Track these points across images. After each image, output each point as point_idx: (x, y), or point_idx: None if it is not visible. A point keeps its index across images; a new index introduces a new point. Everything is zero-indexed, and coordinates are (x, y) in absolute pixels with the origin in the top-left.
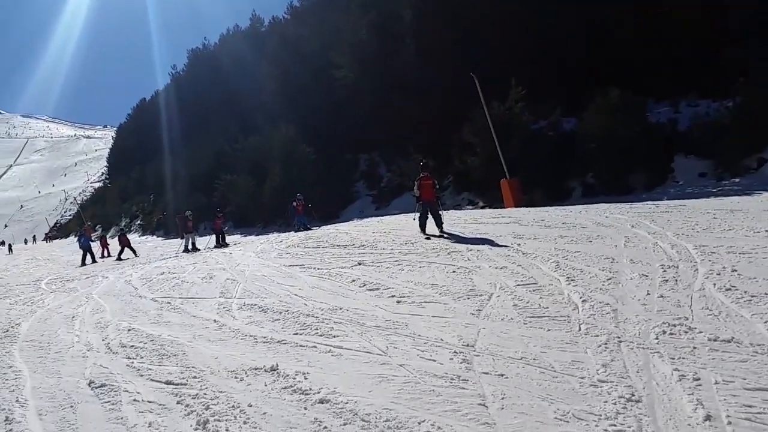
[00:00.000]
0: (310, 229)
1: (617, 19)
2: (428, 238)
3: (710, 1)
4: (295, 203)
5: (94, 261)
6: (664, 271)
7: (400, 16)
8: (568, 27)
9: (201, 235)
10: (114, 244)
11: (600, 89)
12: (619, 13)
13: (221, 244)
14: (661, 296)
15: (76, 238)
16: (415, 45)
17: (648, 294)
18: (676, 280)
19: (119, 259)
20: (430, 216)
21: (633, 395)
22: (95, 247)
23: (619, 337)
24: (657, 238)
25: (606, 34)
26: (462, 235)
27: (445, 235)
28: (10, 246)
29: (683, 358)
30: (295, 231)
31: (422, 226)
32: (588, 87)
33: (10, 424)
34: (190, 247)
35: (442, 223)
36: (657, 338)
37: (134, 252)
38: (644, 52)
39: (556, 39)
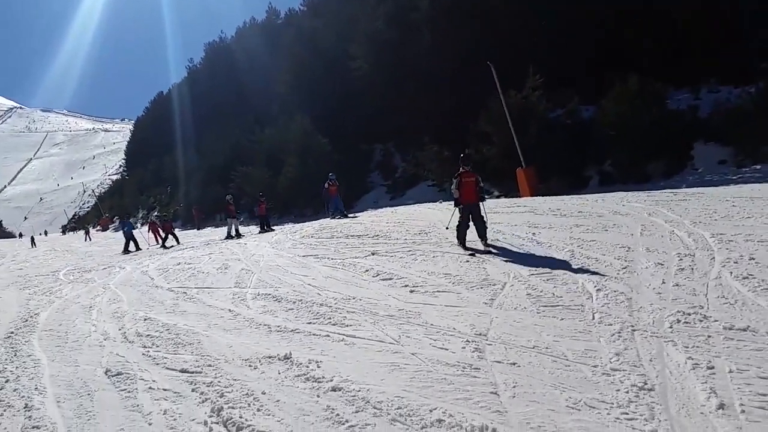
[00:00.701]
0: (347, 215)
1: (635, 4)
2: (472, 255)
3: None
4: (327, 184)
5: (138, 249)
6: (680, 259)
7: (416, 6)
8: (585, 13)
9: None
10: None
11: (619, 76)
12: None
13: (266, 229)
14: (677, 285)
15: (120, 226)
16: (431, 34)
17: (663, 283)
18: (692, 269)
19: (164, 246)
20: (471, 224)
21: (646, 384)
22: (138, 235)
23: (632, 326)
24: (674, 227)
25: (624, 20)
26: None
27: (493, 250)
28: (32, 238)
29: (697, 347)
30: (331, 217)
31: (461, 238)
32: (606, 74)
33: (29, 411)
34: (233, 233)
35: (486, 230)
36: (671, 327)
37: (176, 239)
38: (664, 37)
39: (574, 26)
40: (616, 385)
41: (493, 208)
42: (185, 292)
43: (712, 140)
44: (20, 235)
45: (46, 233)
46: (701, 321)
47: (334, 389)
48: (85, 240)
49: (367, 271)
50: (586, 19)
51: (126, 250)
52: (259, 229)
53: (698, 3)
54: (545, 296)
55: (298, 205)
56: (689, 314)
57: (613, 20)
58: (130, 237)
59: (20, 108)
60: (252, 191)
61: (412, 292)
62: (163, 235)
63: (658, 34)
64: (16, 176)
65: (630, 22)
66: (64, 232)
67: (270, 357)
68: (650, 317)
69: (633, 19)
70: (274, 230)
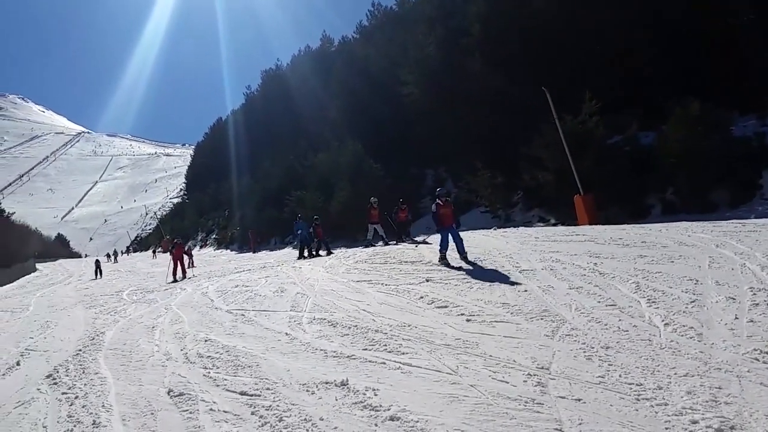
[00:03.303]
0: (387, 242)
1: (697, 27)
2: (450, 267)
3: None
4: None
5: (311, 255)
6: (754, 294)
7: (467, 31)
8: (644, 37)
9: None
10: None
11: (680, 101)
12: (699, 21)
13: (318, 254)
14: (751, 321)
15: (294, 230)
16: (482, 59)
17: (736, 318)
18: None
19: (174, 279)
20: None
21: (723, 426)
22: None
23: (706, 363)
24: (744, 259)
25: (686, 43)
26: (534, 254)
27: (466, 265)
28: (97, 264)
29: None
30: (372, 244)
31: (443, 255)
32: (667, 99)
33: (97, 428)
34: (374, 240)
35: (464, 247)
36: (747, 365)
37: (191, 264)
38: (727, 62)
39: (632, 49)
40: (689, 426)
41: (550, 236)
42: (243, 315)
43: None
44: (86, 256)
45: (114, 257)
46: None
47: (392, 418)
48: (153, 257)
49: (421, 298)
50: (645, 42)
51: (301, 255)
52: (307, 253)
53: (762, 26)
54: (610, 330)
55: (350, 229)
56: (767, 353)
57: (673, 43)
58: (304, 241)
59: (87, 132)
60: (306, 215)
61: (468, 321)
62: (182, 263)
63: (721, 58)
64: (82, 198)
65: (691, 47)
66: (127, 253)
67: (327, 383)
68: (724, 354)
69: (694, 43)
70: (333, 253)
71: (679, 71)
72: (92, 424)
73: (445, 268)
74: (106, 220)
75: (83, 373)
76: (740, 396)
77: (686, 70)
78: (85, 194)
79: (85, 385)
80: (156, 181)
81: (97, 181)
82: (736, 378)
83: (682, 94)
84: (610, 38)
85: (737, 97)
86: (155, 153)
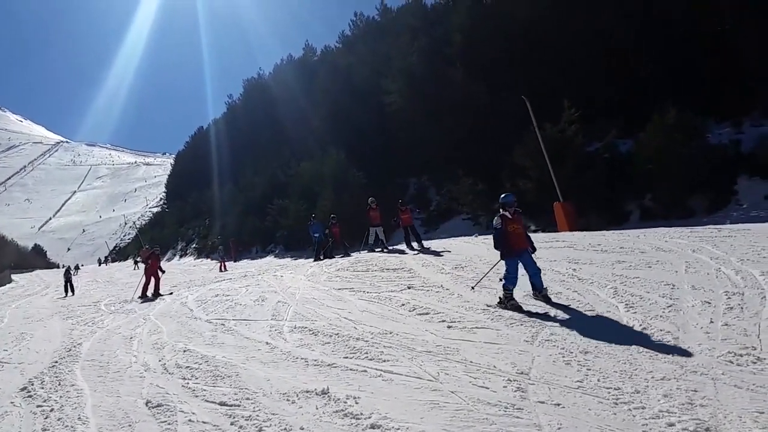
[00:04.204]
0: (386, 247)
1: (674, 38)
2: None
3: None
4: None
5: (327, 256)
6: (729, 298)
7: (449, 41)
8: (622, 47)
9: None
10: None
11: (657, 109)
12: (676, 32)
13: (345, 253)
14: (726, 324)
15: (310, 231)
16: (465, 69)
17: (711, 322)
18: (742, 308)
19: (145, 296)
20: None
21: (698, 428)
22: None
23: (682, 367)
24: (720, 264)
25: (662, 53)
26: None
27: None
28: (67, 278)
29: (750, 390)
30: (376, 249)
31: (408, 244)
32: (644, 108)
33: None
34: (376, 244)
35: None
36: (722, 369)
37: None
38: (703, 71)
39: (611, 59)
40: (666, 429)
41: None
42: (223, 324)
43: (758, 175)
44: (63, 266)
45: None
46: (755, 363)
47: (372, 426)
48: (135, 269)
49: (403, 305)
50: (624, 51)
51: (317, 257)
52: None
53: (738, 36)
54: (589, 334)
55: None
56: (741, 355)
57: (650, 53)
58: (320, 243)
59: (66, 142)
60: (287, 224)
61: (449, 327)
62: (156, 278)
63: (697, 67)
64: (60, 208)
65: (667, 55)
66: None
67: (308, 392)
68: (700, 358)
69: (672, 51)
70: (351, 255)
71: (658, 79)
72: None
73: (511, 312)
74: (84, 230)
75: (59, 385)
76: (715, 398)
77: (664, 78)
78: (63, 204)
79: (60, 397)
80: (135, 190)
81: (75, 191)
82: (711, 381)
83: (659, 101)
84: (590, 48)
85: (713, 105)
86: (135, 162)
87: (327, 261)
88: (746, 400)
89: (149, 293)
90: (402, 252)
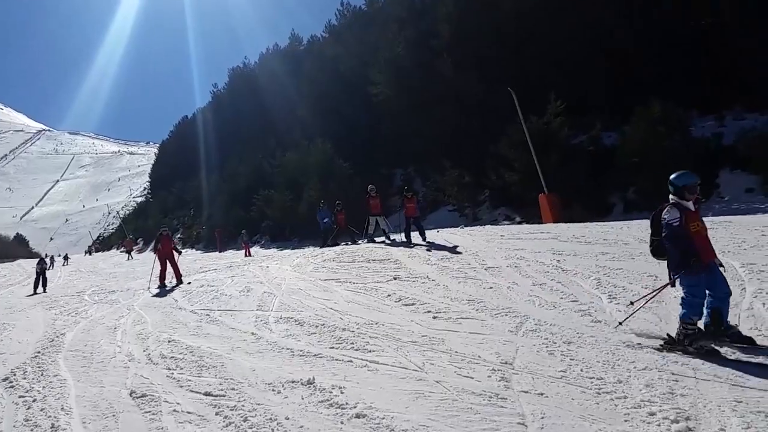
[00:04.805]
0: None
1: (659, 32)
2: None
3: (756, 13)
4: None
5: (332, 244)
6: None
7: (436, 32)
8: (608, 41)
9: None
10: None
11: (642, 102)
12: (661, 26)
13: (352, 240)
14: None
15: (319, 217)
16: (452, 60)
17: None
18: None
19: (164, 286)
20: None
21: (679, 417)
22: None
23: (663, 357)
24: None
25: (647, 47)
26: (499, 251)
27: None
28: (40, 271)
29: (729, 380)
30: (373, 240)
31: (408, 236)
32: (629, 100)
33: (56, 431)
34: (375, 234)
35: (425, 233)
36: (702, 359)
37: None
38: (687, 65)
39: (596, 52)
40: (647, 418)
41: (515, 234)
42: (208, 315)
43: (739, 168)
44: (46, 256)
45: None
46: (733, 353)
47: (358, 416)
48: (128, 259)
49: (389, 296)
50: (609, 45)
51: (325, 243)
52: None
53: (722, 31)
54: (572, 325)
55: (318, 229)
56: (720, 346)
57: (635, 47)
58: (328, 230)
59: (49, 131)
60: (273, 214)
61: (435, 318)
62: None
63: (681, 60)
64: (43, 197)
65: (653, 48)
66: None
67: (293, 381)
68: (681, 348)
69: (656, 44)
70: (358, 243)
71: (642, 73)
72: (51, 428)
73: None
74: (67, 220)
75: (42, 375)
76: (695, 388)
77: (650, 72)
78: (46, 193)
79: (43, 387)
80: (119, 179)
81: (58, 180)
82: (691, 371)
83: (645, 95)
84: (576, 40)
85: (697, 98)
86: (119, 151)
87: (314, 251)
88: (725, 390)
89: (168, 282)
90: (407, 245)
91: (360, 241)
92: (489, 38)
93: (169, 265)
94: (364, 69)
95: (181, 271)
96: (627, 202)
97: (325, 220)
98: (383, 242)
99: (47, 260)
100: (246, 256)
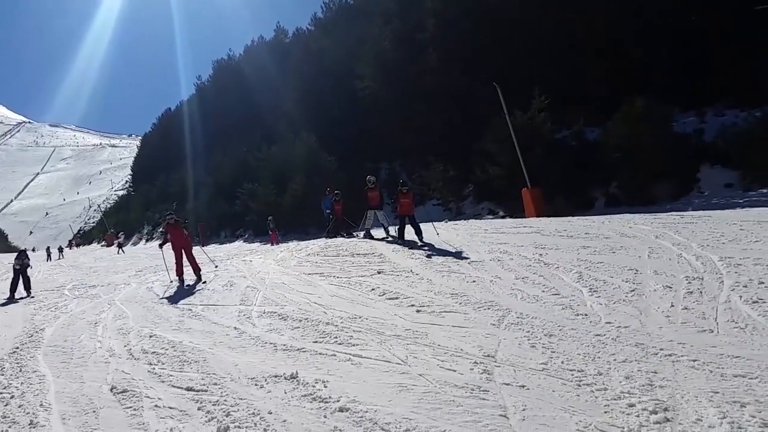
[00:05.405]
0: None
1: (642, 28)
2: (406, 242)
3: (738, 12)
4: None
5: (336, 235)
6: (689, 282)
7: (423, 26)
8: (592, 36)
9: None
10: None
11: (625, 98)
12: (644, 23)
13: (347, 232)
14: (686, 308)
15: (324, 205)
16: (437, 54)
17: (672, 306)
18: (701, 292)
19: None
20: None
21: (657, 408)
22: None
23: (643, 349)
24: (681, 249)
25: (631, 43)
26: (483, 245)
27: (419, 243)
28: (18, 270)
29: (707, 371)
30: (370, 235)
31: (402, 235)
32: (612, 96)
33: (34, 428)
34: (373, 230)
35: (421, 231)
36: (681, 351)
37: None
38: (670, 61)
39: (580, 48)
40: (626, 409)
41: (499, 228)
42: (191, 309)
43: (719, 163)
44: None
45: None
46: (712, 347)
47: (341, 410)
48: (118, 253)
49: (373, 290)
50: (594, 39)
51: (329, 233)
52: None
53: (705, 29)
54: (553, 318)
55: (302, 223)
56: (699, 338)
57: (619, 43)
58: (328, 216)
59: (29, 123)
60: (257, 208)
61: (418, 312)
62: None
63: (665, 56)
64: (23, 190)
65: (637, 44)
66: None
67: (276, 376)
68: (660, 341)
69: (640, 40)
70: (354, 236)
71: (626, 68)
72: (29, 424)
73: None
74: (47, 213)
75: (20, 371)
76: (674, 379)
77: (633, 68)
78: (26, 186)
79: (22, 383)
80: (101, 172)
81: (38, 173)
82: (670, 363)
83: (628, 90)
84: (561, 35)
85: (678, 95)
86: (100, 144)
87: (298, 245)
88: (702, 381)
89: (188, 277)
90: (411, 241)
91: (356, 235)
92: (473, 32)
93: (187, 255)
94: (350, 62)
95: (167, 266)
96: (609, 197)
97: (327, 210)
98: (384, 239)
99: (35, 254)
100: (274, 245)
